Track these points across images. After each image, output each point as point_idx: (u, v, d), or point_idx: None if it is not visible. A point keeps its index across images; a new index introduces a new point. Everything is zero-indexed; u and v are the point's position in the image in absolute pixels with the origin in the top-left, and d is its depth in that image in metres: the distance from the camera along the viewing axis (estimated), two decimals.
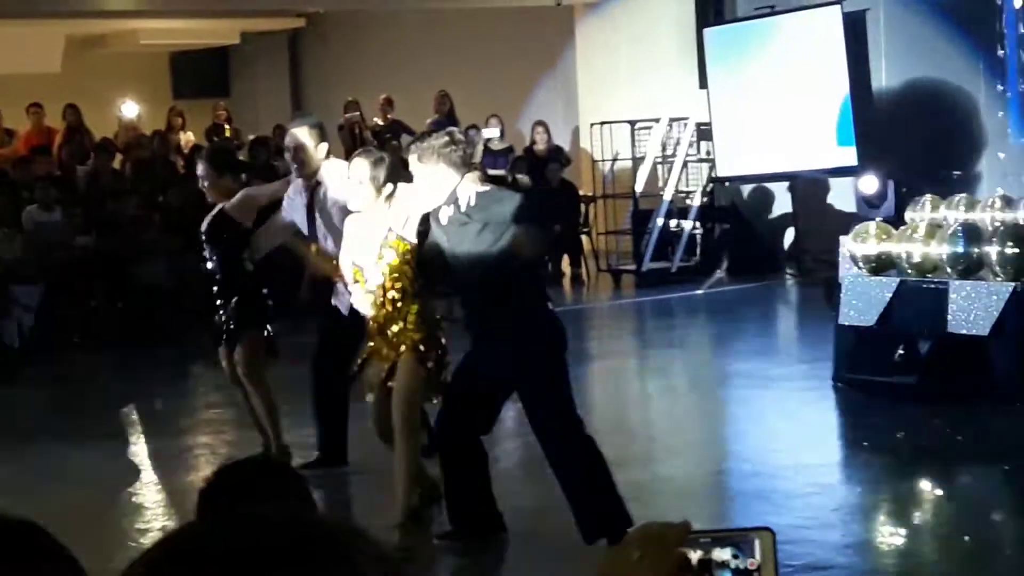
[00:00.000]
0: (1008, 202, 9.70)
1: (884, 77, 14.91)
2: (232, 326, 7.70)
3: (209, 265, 7.83)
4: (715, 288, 15.36)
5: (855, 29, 14.41)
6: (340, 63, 21.53)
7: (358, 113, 17.31)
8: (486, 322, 6.02)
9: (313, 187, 7.47)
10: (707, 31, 15.87)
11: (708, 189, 16.75)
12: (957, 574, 6.02)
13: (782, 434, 8.61)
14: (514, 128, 18.45)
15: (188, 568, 1.10)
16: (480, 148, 15.72)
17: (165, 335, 12.81)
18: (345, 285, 6.69)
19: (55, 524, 1.41)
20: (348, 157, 14.02)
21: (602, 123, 17.43)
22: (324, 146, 7.53)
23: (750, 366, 10.68)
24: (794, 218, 15.79)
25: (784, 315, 13.87)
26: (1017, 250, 8.62)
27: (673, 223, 16.23)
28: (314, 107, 20.47)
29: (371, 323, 6.42)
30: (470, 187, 5.98)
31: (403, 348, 6.33)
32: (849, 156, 14.32)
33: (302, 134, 7.48)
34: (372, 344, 6.50)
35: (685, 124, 16.80)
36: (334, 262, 6.91)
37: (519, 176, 15.52)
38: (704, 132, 16.45)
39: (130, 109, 18.38)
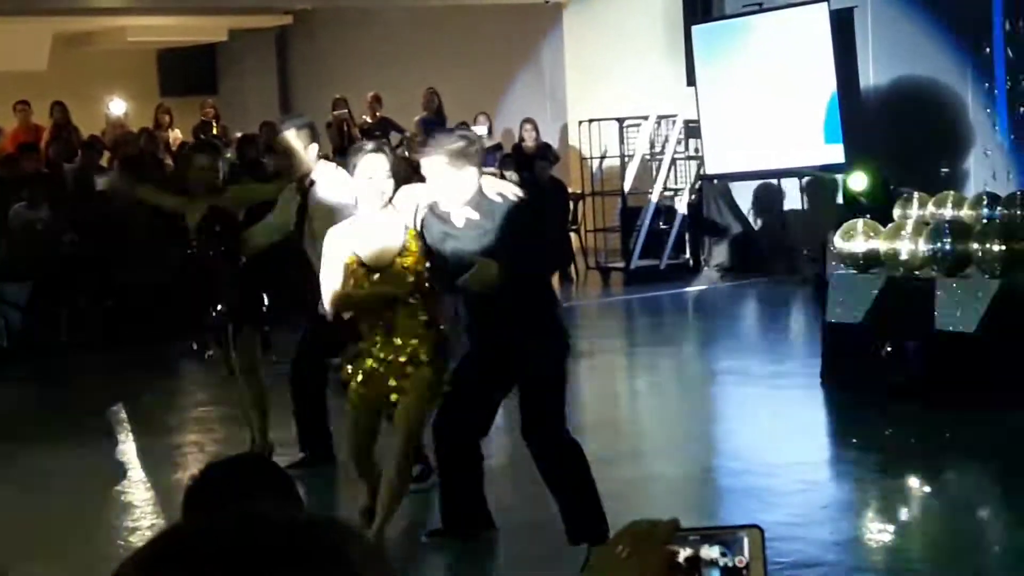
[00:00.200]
0: (995, 199, 9.72)
1: (872, 74, 14.93)
2: (229, 320, 7.70)
3: (203, 261, 7.80)
4: (705, 285, 15.37)
5: (842, 26, 14.43)
6: (328, 60, 21.50)
7: (346, 111, 17.27)
8: (498, 324, 5.95)
9: (306, 189, 7.43)
10: (695, 28, 15.88)
11: (696, 187, 16.78)
12: (945, 570, 6.03)
13: (771, 431, 8.62)
14: (503, 125, 18.46)
15: (181, 568, 1.08)
16: None
17: (153, 333, 12.77)
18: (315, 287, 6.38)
19: (44, 523, 1.41)
20: (336, 154, 14.14)
21: (590, 120, 17.43)
22: (315, 147, 7.44)
23: (739, 363, 10.69)
24: (782, 215, 15.82)
25: (773, 312, 13.87)
26: (1003, 247, 8.64)
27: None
28: (302, 104, 20.47)
29: (376, 326, 6.06)
30: (488, 190, 5.94)
31: (415, 359, 6.02)
32: (837, 153, 14.33)
33: (291, 136, 7.42)
34: (374, 349, 6.06)
35: (673, 121, 16.83)
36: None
37: (507, 173, 15.50)
38: (692, 129, 16.47)
39: (118, 107, 18.31)
